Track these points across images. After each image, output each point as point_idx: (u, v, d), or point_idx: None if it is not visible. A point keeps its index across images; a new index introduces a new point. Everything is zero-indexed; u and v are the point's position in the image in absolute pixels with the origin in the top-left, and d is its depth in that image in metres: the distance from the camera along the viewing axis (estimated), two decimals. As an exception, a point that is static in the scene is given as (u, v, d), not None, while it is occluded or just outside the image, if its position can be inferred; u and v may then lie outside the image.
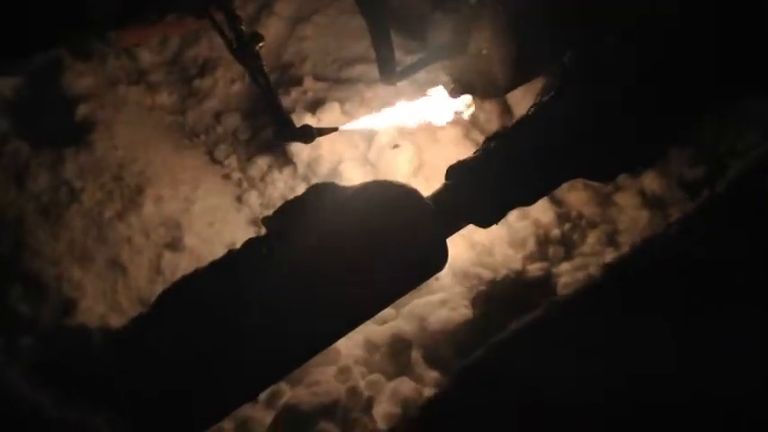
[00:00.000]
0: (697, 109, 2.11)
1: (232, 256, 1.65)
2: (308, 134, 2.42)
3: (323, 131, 2.48)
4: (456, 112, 2.65)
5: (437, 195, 1.91)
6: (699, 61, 2.01)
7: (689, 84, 2.08)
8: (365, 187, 1.77)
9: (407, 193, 1.79)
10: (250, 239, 1.68)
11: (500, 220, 1.99)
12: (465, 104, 2.65)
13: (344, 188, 1.78)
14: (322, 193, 1.77)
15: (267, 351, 1.65)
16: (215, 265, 1.64)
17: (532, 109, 2.05)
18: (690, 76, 2.02)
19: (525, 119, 2.04)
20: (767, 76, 2.15)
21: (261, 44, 2.30)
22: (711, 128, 2.75)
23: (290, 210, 1.74)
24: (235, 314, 1.57)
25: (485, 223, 1.98)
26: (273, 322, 1.63)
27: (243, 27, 2.30)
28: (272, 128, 2.45)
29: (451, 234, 1.91)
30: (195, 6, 2.58)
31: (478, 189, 1.93)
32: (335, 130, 2.54)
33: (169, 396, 1.51)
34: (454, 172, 1.98)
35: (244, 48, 2.28)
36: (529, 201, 2.06)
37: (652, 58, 2.05)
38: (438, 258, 1.83)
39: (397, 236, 1.75)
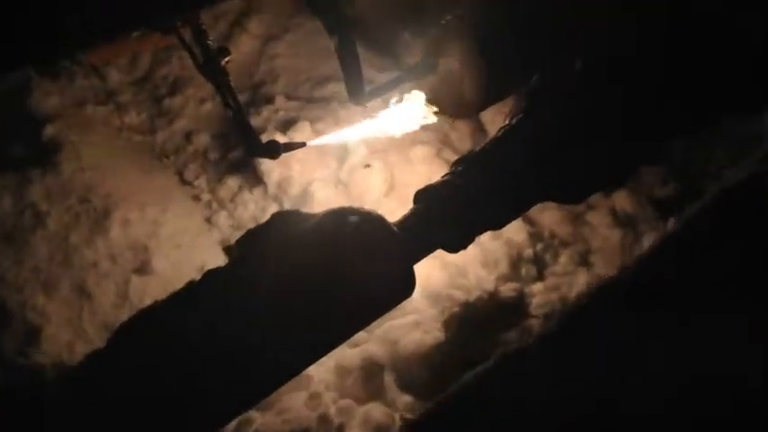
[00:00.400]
0: (666, 131, 2.11)
1: (192, 288, 1.61)
2: (275, 149, 2.40)
3: (290, 147, 2.46)
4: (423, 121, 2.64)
5: (404, 221, 1.89)
6: (666, 85, 2.01)
7: (657, 106, 2.08)
8: (329, 214, 1.74)
9: (373, 220, 1.76)
10: (210, 270, 1.64)
11: (469, 244, 1.97)
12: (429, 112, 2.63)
13: (308, 215, 1.75)
14: (285, 221, 1.73)
15: (231, 384, 1.61)
16: (175, 296, 1.61)
17: (500, 131, 2.04)
18: (657, 99, 2.01)
19: (493, 141, 2.02)
20: (737, 98, 2.16)
21: (227, 59, 2.29)
22: (682, 146, 2.75)
23: (253, 238, 1.71)
24: (196, 347, 1.53)
25: (453, 248, 1.96)
26: (237, 354, 1.60)
27: (210, 42, 2.29)
28: (240, 144, 2.42)
29: (419, 260, 1.89)
30: (164, 23, 2.55)
31: (447, 214, 1.90)
32: (303, 145, 2.53)
33: (126, 434, 1.47)
34: (422, 196, 1.96)
35: (210, 63, 2.27)
36: (498, 225, 2.04)
37: (619, 80, 2.04)
38: (405, 285, 1.80)
39: (363, 263, 1.71)
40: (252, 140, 2.39)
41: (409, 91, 2.59)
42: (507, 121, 2.07)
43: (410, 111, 2.61)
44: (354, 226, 1.75)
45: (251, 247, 1.69)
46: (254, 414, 2.34)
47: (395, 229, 1.81)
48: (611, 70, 2.08)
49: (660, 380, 1.45)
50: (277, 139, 3.00)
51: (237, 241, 1.72)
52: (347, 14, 2.48)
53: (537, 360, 1.50)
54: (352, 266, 1.69)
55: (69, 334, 2.58)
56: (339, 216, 1.74)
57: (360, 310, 1.77)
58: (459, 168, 1.98)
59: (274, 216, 1.76)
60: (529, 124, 2.01)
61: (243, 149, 2.45)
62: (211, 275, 1.62)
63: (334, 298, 1.68)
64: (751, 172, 1.50)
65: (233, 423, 2.31)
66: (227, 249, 1.74)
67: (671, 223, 1.62)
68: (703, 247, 1.52)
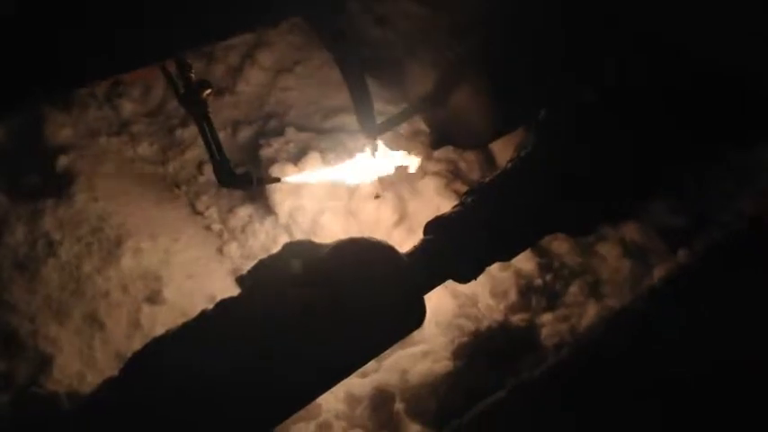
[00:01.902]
0: (674, 164, 2.13)
1: (205, 317, 1.63)
2: (247, 181, 2.46)
3: (265, 180, 2.58)
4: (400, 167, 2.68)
5: (415, 251, 1.90)
6: (673, 119, 2.04)
7: (665, 140, 2.10)
8: (340, 245, 1.75)
9: (383, 251, 1.78)
10: (222, 300, 1.65)
11: (478, 275, 1.98)
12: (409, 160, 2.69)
13: (319, 245, 1.77)
14: (297, 251, 1.75)
15: (242, 414, 1.62)
16: (188, 326, 1.62)
17: (510, 164, 2.06)
18: (666, 133, 2.03)
19: (503, 173, 2.04)
20: (745, 131, 2.18)
21: (208, 91, 2.35)
22: (691, 177, 2.76)
23: (265, 268, 1.72)
24: (207, 377, 1.54)
25: (464, 279, 1.97)
26: (248, 384, 1.61)
27: (192, 75, 2.34)
28: (215, 174, 2.48)
29: (429, 291, 1.90)
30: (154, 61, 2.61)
31: (456, 245, 1.92)
32: (278, 180, 2.62)
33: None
34: (432, 228, 1.97)
35: (191, 94, 2.33)
36: (509, 256, 2.05)
37: (627, 114, 2.07)
38: (415, 316, 1.81)
39: (373, 294, 1.73)
40: (225, 171, 2.43)
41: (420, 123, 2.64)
42: (517, 154, 2.09)
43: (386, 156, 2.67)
44: (365, 256, 1.76)
45: (262, 278, 1.70)
46: (263, 444, 2.34)
47: (405, 259, 1.83)
48: (619, 105, 2.11)
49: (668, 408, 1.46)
50: (288, 170, 3.06)
51: (249, 271, 1.73)
52: (357, 47, 2.50)
53: (548, 390, 1.51)
54: (362, 297, 1.70)
55: (81, 363, 2.59)
56: (350, 246, 1.75)
57: (370, 341, 1.78)
58: (470, 200, 2.00)
59: (285, 246, 1.78)
60: (538, 156, 2.03)
61: (217, 180, 2.49)
62: (223, 305, 1.63)
63: (345, 328, 1.69)
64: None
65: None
66: (239, 279, 1.74)
67: (680, 256, 1.63)
68: (711, 283, 1.53)
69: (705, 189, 2.74)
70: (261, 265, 1.73)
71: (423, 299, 1.82)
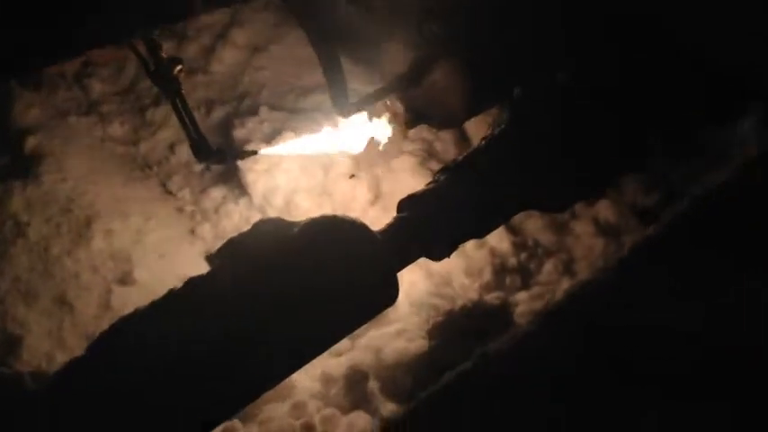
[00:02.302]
0: (647, 141, 2.13)
1: (173, 296, 1.60)
2: (223, 156, 2.44)
3: (242, 154, 2.52)
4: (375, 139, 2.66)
5: (388, 229, 1.88)
6: (646, 97, 2.03)
7: (638, 116, 2.10)
8: (312, 222, 1.73)
9: (355, 228, 1.76)
10: (191, 278, 1.63)
11: (451, 253, 1.96)
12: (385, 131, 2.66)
13: (291, 223, 1.74)
14: (267, 229, 1.73)
15: (210, 393, 1.60)
16: (155, 304, 1.59)
17: (483, 141, 2.05)
18: (639, 108, 2.03)
19: (476, 151, 2.03)
20: (716, 108, 2.18)
21: (179, 68, 2.32)
22: (662, 155, 2.77)
23: (235, 246, 1.70)
24: (175, 356, 1.52)
25: (437, 257, 1.95)
26: (217, 363, 1.58)
27: (162, 53, 2.31)
28: (191, 150, 2.45)
29: (402, 268, 1.88)
30: (120, 39, 2.58)
31: (429, 223, 1.90)
32: (255, 153, 2.58)
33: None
34: (405, 205, 1.95)
35: (162, 71, 2.30)
36: (481, 234, 2.04)
37: (601, 90, 2.06)
38: (388, 294, 1.79)
39: (345, 271, 1.71)
40: (202, 147, 2.40)
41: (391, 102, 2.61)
42: (490, 131, 2.08)
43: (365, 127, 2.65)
44: (337, 234, 1.74)
45: (232, 256, 1.68)
46: (236, 424, 2.32)
47: (378, 237, 1.81)
48: (593, 82, 2.10)
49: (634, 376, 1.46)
50: (262, 149, 3.03)
51: (218, 249, 1.70)
52: (331, 24, 2.47)
53: (515, 360, 1.50)
54: (334, 274, 1.68)
55: (50, 345, 2.56)
56: (321, 224, 1.73)
57: (342, 319, 1.76)
58: (443, 177, 1.98)
59: (256, 224, 1.75)
60: (512, 134, 2.02)
61: (194, 155, 2.47)
62: (192, 283, 1.61)
63: (317, 306, 1.67)
64: (725, 179, 1.51)
65: (216, 433, 2.30)
66: (209, 257, 1.72)
67: (650, 229, 1.63)
68: (678, 252, 1.53)
69: (676, 166, 2.75)
70: (230, 243, 1.70)
71: (396, 276, 1.80)
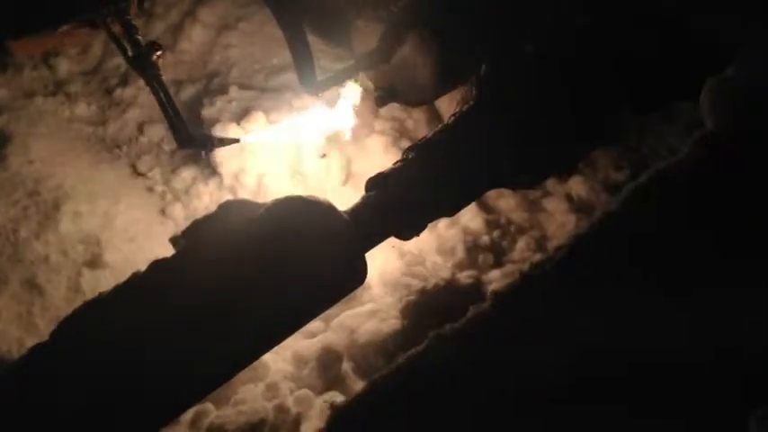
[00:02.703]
0: (615, 114, 2.12)
1: (137, 279, 1.58)
2: (206, 143, 2.40)
3: (222, 142, 2.49)
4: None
5: (355, 209, 1.87)
6: (613, 69, 2.03)
7: (606, 90, 2.10)
8: (278, 203, 1.71)
9: (322, 209, 1.74)
10: (156, 261, 1.61)
11: (421, 232, 1.96)
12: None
13: (257, 205, 1.72)
14: (233, 211, 1.71)
15: (178, 376, 1.59)
16: (120, 288, 1.57)
17: (452, 118, 2.03)
18: (606, 83, 2.02)
19: (444, 128, 2.01)
20: (686, 82, 2.17)
21: (159, 53, 2.30)
22: (634, 129, 2.77)
23: (200, 228, 1.68)
24: (141, 340, 1.50)
25: (406, 236, 1.95)
26: (186, 345, 1.57)
27: (140, 37, 2.29)
28: (172, 136, 2.42)
29: (370, 248, 1.87)
30: (91, 16, 2.53)
31: (398, 201, 1.89)
32: (237, 141, 2.55)
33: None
34: (373, 184, 1.94)
35: (141, 57, 2.27)
36: (451, 212, 2.03)
37: (568, 64, 2.05)
38: (356, 274, 1.78)
39: (312, 253, 1.69)
40: (183, 133, 2.37)
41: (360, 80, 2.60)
42: (459, 108, 2.07)
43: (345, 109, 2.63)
44: (304, 215, 1.73)
45: (197, 238, 1.66)
46: (208, 406, 2.32)
47: (345, 217, 1.80)
48: (562, 57, 2.09)
49: (586, 353, 1.46)
50: (231, 130, 3.00)
51: (183, 231, 1.68)
52: (297, 2, 2.44)
53: (471, 341, 1.50)
54: (300, 256, 1.67)
55: (20, 329, 2.53)
56: (288, 205, 1.71)
57: (310, 300, 1.75)
58: (411, 155, 1.96)
59: (221, 206, 1.73)
60: (480, 111, 2.00)
61: (175, 142, 2.44)
62: (157, 266, 1.59)
63: (284, 287, 1.66)
64: (684, 155, 1.51)
65: (188, 416, 2.30)
66: (173, 239, 1.70)
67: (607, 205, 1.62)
68: (636, 229, 1.52)
69: (648, 141, 2.76)
70: (196, 224, 1.68)
71: (364, 257, 1.80)
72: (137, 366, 1.50)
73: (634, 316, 1.46)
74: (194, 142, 2.39)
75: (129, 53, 2.27)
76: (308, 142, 3.05)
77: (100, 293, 1.56)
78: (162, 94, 2.32)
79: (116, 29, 2.31)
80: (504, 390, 1.46)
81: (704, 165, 1.46)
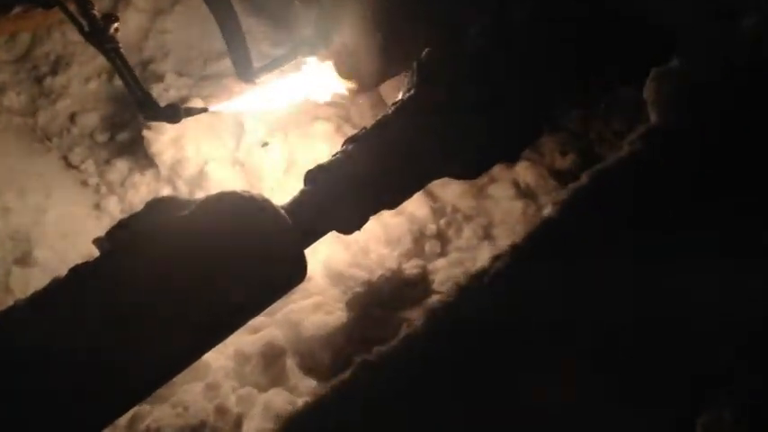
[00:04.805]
0: (563, 101, 2.09)
1: (56, 286, 1.49)
2: (175, 114, 2.31)
3: (190, 111, 2.38)
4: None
5: (293, 203, 1.80)
6: (560, 54, 1.98)
7: (553, 76, 2.06)
8: (209, 201, 1.63)
9: (258, 204, 1.66)
10: (76, 266, 1.51)
11: (362, 225, 1.90)
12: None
13: (187, 202, 1.64)
14: (161, 209, 1.62)
15: (106, 384, 1.50)
16: (36, 296, 1.47)
17: (392, 108, 1.97)
18: (554, 69, 1.98)
19: (384, 119, 1.95)
20: (632, 67, 2.15)
21: (116, 25, 2.21)
22: (579, 116, 2.74)
23: (125, 229, 1.58)
24: (62, 350, 1.41)
25: (347, 230, 1.88)
26: (111, 353, 1.48)
27: (95, 12, 2.20)
28: (137, 109, 2.32)
29: (310, 244, 1.81)
30: None
31: (338, 194, 1.83)
32: (205, 110, 2.44)
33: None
34: (312, 176, 1.87)
35: (98, 31, 2.19)
36: (392, 204, 1.98)
37: (511, 50, 2.00)
38: (295, 271, 1.72)
39: (248, 251, 1.62)
40: (149, 104, 2.28)
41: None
42: (399, 97, 2.00)
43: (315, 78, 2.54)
44: (239, 212, 1.65)
45: (122, 240, 1.56)
46: (145, 408, 2.23)
47: (283, 213, 1.72)
48: (503, 41, 2.04)
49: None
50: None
51: (107, 233, 1.59)
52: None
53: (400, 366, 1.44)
54: (237, 254, 1.60)
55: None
56: (220, 202, 1.63)
57: (248, 299, 1.68)
58: (350, 147, 1.90)
59: (149, 203, 1.64)
60: (420, 99, 1.94)
61: (140, 114, 2.34)
62: (76, 272, 1.50)
63: (219, 288, 1.59)
64: (628, 152, 1.47)
65: (124, 418, 2.21)
66: (97, 241, 1.60)
67: (547, 209, 1.58)
68: (578, 229, 1.49)
69: (593, 127, 2.74)
70: (120, 225, 1.59)
71: (303, 254, 1.73)
72: (56, 378, 1.41)
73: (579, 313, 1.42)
74: (161, 113, 2.29)
75: (86, 29, 2.18)
76: (248, 129, 2.96)
77: (15, 301, 1.46)
78: (123, 66, 2.22)
79: (70, 5, 2.22)
80: (434, 417, 1.41)
81: (647, 161, 1.42)
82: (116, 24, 2.21)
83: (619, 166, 1.45)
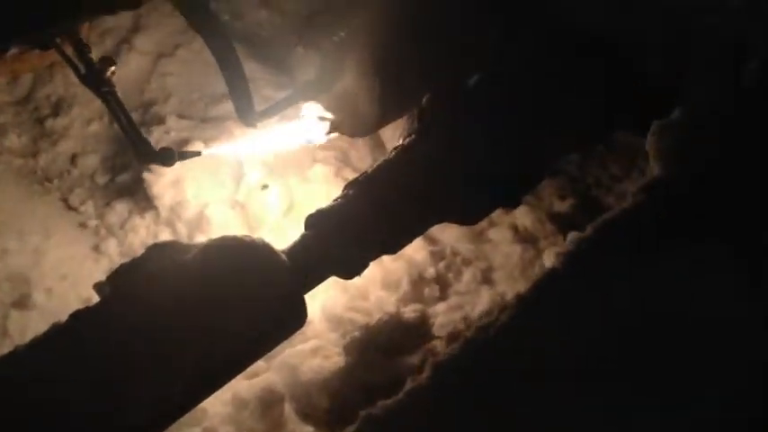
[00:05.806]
0: (558, 148, 2.10)
1: (56, 331, 1.48)
2: (169, 157, 2.31)
3: (185, 155, 2.38)
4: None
5: (293, 249, 1.80)
6: (561, 103, 2.00)
7: (554, 123, 2.07)
8: (212, 246, 1.63)
9: (258, 250, 1.67)
10: (76, 312, 1.51)
11: (363, 271, 1.90)
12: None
13: (188, 246, 1.64)
14: (163, 254, 1.62)
15: (107, 430, 1.49)
16: (37, 342, 1.47)
17: (392, 152, 1.98)
18: (548, 117, 2.00)
19: (384, 163, 1.96)
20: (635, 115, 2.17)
21: (113, 69, 2.23)
22: (577, 161, 2.76)
23: (126, 274, 1.58)
24: (62, 398, 1.40)
25: (347, 275, 1.88)
26: (112, 400, 1.47)
27: (92, 55, 2.22)
28: (133, 153, 2.34)
29: (310, 290, 1.80)
30: (41, 38, 2.44)
31: (338, 240, 1.83)
32: (198, 154, 2.45)
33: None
34: (312, 221, 1.88)
35: (94, 74, 2.20)
36: (393, 250, 1.98)
37: (515, 96, 2.02)
38: (295, 317, 1.72)
39: (249, 297, 1.62)
40: (144, 148, 2.29)
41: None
42: (399, 142, 2.02)
43: (310, 125, 2.55)
44: (240, 257, 1.65)
45: (122, 285, 1.56)
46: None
47: (283, 257, 1.73)
48: (504, 88, 2.06)
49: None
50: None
51: (108, 278, 1.59)
52: (226, 25, 2.38)
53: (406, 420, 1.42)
54: (235, 302, 1.59)
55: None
56: (221, 248, 1.63)
57: (248, 346, 1.67)
58: (351, 192, 1.91)
59: (150, 248, 1.64)
60: (421, 144, 1.96)
61: (135, 157, 2.36)
62: (77, 317, 1.49)
63: (220, 334, 1.58)
64: (632, 204, 1.48)
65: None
66: (97, 287, 1.60)
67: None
68: (582, 283, 1.49)
69: (591, 171, 2.75)
70: (121, 270, 1.59)
71: (302, 300, 1.73)
72: (54, 427, 1.39)
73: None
74: (157, 157, 2.30)
75: (82, 72, 2.21)
76: (248, 172, 2.97)
77: (15, 347, 1.45)
78: (119, 110, 2.24)
79: (67, 49, 2.25)
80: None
81: (649, 212, 1.43)
82: (113, 68, 2.23)
83: (623, 217, 1.46)
